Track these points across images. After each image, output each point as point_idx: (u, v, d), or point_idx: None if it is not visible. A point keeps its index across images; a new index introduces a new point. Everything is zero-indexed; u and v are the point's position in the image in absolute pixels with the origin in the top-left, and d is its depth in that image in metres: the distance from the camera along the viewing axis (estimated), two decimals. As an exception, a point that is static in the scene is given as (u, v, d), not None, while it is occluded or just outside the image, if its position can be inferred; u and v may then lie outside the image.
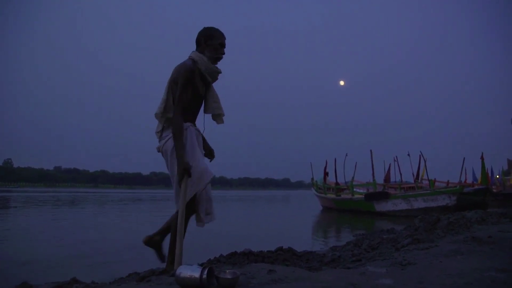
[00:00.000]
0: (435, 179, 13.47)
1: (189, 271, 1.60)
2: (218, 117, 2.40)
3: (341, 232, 7.19)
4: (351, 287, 1.59)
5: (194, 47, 2.34)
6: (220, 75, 2.34)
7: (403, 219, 9.47)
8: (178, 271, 1.63)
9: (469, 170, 19.38)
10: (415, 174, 14.53)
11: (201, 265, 1.76)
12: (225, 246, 2.62)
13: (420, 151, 14.40)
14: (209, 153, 2.45)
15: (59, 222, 7.90)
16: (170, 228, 2.27)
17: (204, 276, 1.56)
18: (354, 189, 13.90)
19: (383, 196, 12.08)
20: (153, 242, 2.33)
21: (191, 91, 2.20)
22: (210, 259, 2.76)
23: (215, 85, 2.40)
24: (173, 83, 2.20)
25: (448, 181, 14.85)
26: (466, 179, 17.18)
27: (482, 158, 14.04)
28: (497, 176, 23.10)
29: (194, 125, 2.32)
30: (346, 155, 16.16)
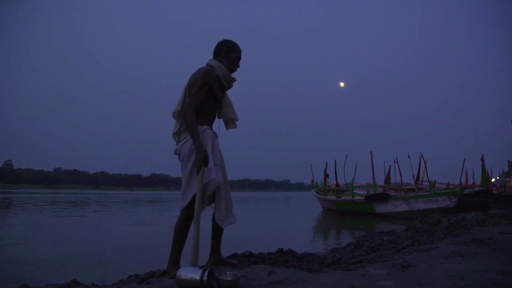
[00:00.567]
0: (435, 180, 13.46)
1: (190, 273, 1.60)
2: (231, 121, 2.54)
3: (342, 234, 7.18)
4: (351, 289, 1.59)
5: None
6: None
7: (403, 221, 9.46)
8: (178, 273, 1.62)
9: (469, 171, 19.37)
10: (415, 175, 14.52)
11: (202, 267, 1.76)
12: (225, 247, 2.61)
13: (420, 153, 14.40)
14: None
15: (59, 223, 7.89)
16: (218, 245, 2.43)
17: (205, 278, 1.56)
18: (354, 191, 13.89)
19: (384, 197, 12.07)
20: (216, 261, 2.41)
21: (209, 94, 2.33)
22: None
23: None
24: (191, 86, 2.32)
25: (448, 182, 14.84)
26: (466, 181, 17.17)
27: (482, 159, 14.03)
28: (497, 178, 23.08)
29: (211, 128, 2.41)
30: (346, 156, 16.16)
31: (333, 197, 14.95)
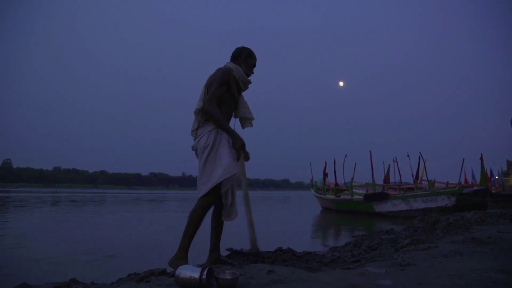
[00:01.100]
0: (434, 179, 13.47)
1: (189, 271, 1.60)
2: (247, 120, 2.68)
3: (341, 233, 7.19)
4: (350, 288, 1.59)
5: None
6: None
7: (402, 220, 9.47)
8: (177, 272, 1.62)
9: (468, 171, 19.42)
10: (414, 175, 14.53)
11: (201, 265, 1.75)
12: (224, 246, 2.62)
13: (420, 152, 14.41)
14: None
15: (58, 222, 7.89)
16: (218, 241, 2.51)
17: (204, 276, 1.56)
18: (354, 190, 13.90)
19: (383, 197, 12.08)
20: (215, 260, 2.47)
21: (227, 93, 2.47)
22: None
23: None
24: (209, 85, 2.45)
25: (447, 182, 14.85)
26: (465, 180, 17.19)
27: (481, 159, 14.04)
28: (496, 177, 23.13)
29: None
30: (346, 156, 16.17)
31: (332, 196, 14.96)
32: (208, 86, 2.46)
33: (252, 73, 2.67)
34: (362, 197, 12.71)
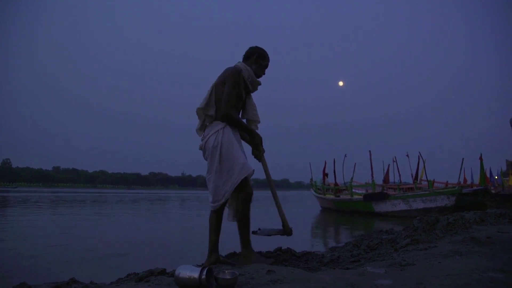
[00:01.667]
0: (434, 179, 13.48)
1: (188, 271, 1.59)
2: (253, 123, 2.66)
3: (340, 233, 7.19)
4: (350, 288, 1.59)
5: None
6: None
7: (402, 220, 9.47)
8: (177, 271, 1.62)
9: (468, 170, 19.41)
10: (414, 174, 14.54)
11: (200, 265, 1.75)
12: (223, 246, 2.62)
13: (419, 152, 14.43)
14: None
15: (58, 222, 7.88)
16: (217, 243, 2.48)
17: (203, 276, 1.55)
18: (353, 190, 13.91)
19: (382, 196, 12.09)
20: (215, 260, 2.45)
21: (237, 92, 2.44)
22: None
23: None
24: (221, 85, 2.43)
25: (447, 181, 14.86)
26: (465, 180, 17.20)
27: (481, 158, 14.05)
28: (496, 177, 23.13)
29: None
30: (345, 156, 16.18)
31: (332, 196, 14.97)
32: (217, 85, 2.44)
33: (264, 74, 2.62)
34: (362, 197, 12.72)
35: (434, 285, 1.63)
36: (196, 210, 13.75)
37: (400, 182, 15.79)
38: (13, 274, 3.00)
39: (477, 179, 17.23)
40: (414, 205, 11.40)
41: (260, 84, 2.62)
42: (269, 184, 2.60)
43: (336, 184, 16.12)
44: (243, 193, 2.33)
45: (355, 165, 15.82)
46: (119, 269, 2.90)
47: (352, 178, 14.62)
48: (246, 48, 2.63)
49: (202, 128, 2.50)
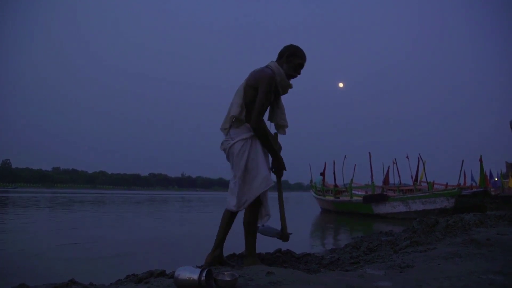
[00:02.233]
0: (433, 181, 13.48)
1: (188, 272, 1.59)
2: (281, 127, 2.55)
3: (340, 234, 7.19)
4: (349, 290, 1.59)
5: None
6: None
7: (401, 222, 9.47)
8: (176, 273, 1.62)
9: (468, 172, 19.40)
10: (413, 176, 14.54)
11: (200, 267, 1.75)
12: (224, 246, 2.62)
13: (419, 154, 14.43)
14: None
15: (57, 222, 7.87)
16: (223, 240, 2.49)
17: (203, 278, 1.56)
18: (353, 191, 13.90)
19: (382, 198, 12.08)
20: (218, 257, 2.46)
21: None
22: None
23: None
24: (251, 88, 2.31)
25: (446, 183, 14.86)
26: (465, 182, 17.20)
27: (480, 160, 14.05)
28: (496, 179, 23.14)
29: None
30: (345, 157, 16.18)
31: (332, 198, 14.96)
32: (247, 87, 2.32)
33: (299, 74, 2.44)
34: (361, 199, 12.71)
35: (433, 287, 1.63)
36: (196, 211, 13.74)
37: (400, 183, 15.78)
38: (13, 275, 3.00)
39: (477, 181, 17.25)
40: (413, 206, 11.40)
41: (291, 87, 2.45)
42: (278, 194, 2.57)
43: (335, 185, 16.11)
44: (249, 208, 2.36)
45: (355, 166, 15.82)
46: (118, 270, 2.90)
47: (352, 180, 14.62)
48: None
49: (228, 128, 2.39)
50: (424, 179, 13.92)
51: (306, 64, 2.46)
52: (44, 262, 3.62)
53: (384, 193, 12.90)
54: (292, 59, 2.38)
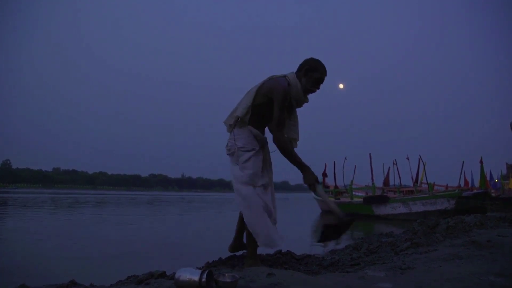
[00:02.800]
0: (434, 182, 13.48)
1: (188, 274, 1.59)
2: (293, 141, 2.50)
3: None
4: (350, 291, 1.59)
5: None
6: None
7: (402, 223, 9.46)
8: (177, 274, 1.62)
9: (468, 174, 19.39)
10: (414, 177, 14.54)
11: (200, 268, 1.75)
12: (223, 248, 2.62)
13: (419, 155, 14.45)
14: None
15: (58, 223, 7.87)
16: (238, 231, 2.56)
17: (204, 279, 1.56)
18: (353, 193, 13.90)
19: (382, 199, 12.08)
20: (237, 246, 2.56)
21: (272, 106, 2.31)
22: (208, 262, 2.75)
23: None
24: (262, 95, 2.29)
25: (447, 185, 14.86)
26: (465, 183, 17.19)
27: (481, 162, 14.06)
28: (496, 180, 23.12)
29: (263, 134, 2.47)
30: (345, 158, 16.18)
31: (332, 199, 14.97)
32: (259, 94, 2.30)
33: (318, 88, 2.38)
34: (362, 200, 12.71)
35: (434, 289, 1.63)
36: (196, 213, 13.74)
37: (400, 185, 15.79)
38: (13, 274, 3.00)
39: (477, 182, 17.24)
40: (414, 208, 11.40)
41: (306, 102, 2.41)
42: (326, 202, 2.47)
43: (336, 186, 16.12)
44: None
45: (355, 167, 15.83)
46: (119, 271, 2.90)
47: (352, 181, 14.62)
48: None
49: (231, 125, 2.40)
50: (424, 181, 13.93)
51: (309, 66, 2.40)
52: (45, 262, 3.62)
53: (385, 194, 12.91)
54: (311, 73, 2.32)
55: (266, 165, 2.44)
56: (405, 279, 1.83)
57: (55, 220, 8.72)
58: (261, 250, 3.13)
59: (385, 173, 16.67)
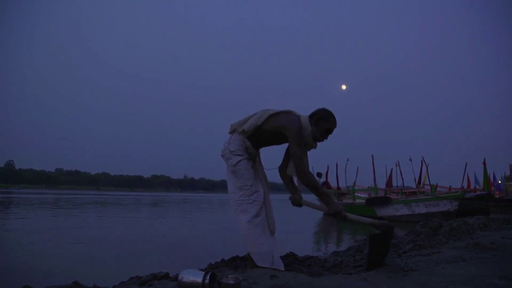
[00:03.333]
0: (437, 184, 13.45)
1: (191, 275, 1.60)
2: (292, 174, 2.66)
3: (343, 237, 7.17)
4: (353, 293, 1.59)
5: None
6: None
7: (404, 224, 9.43)
8: (180, 276, 1.63)
9: (471, 175, 19.31)
10: (417, 179, 14.50)
11: (203, 270, 1.76)
12: (226, 250, 2.62)
13: (422, 156, 14.40)
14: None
15: (60, 224, 7.90)
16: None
17: (207, 281, 1.56)
18: (356, 194, 13.88)
19: (385, 201, 12.05)
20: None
21: (281, 137, 2.42)
22: (211, 263, 2.76)
23: None
24: (274, 126, 2.37)
25: (450, 186, 14.81)
26: (468, 185, 17.13)
27: (484, 163, 13.99)
28: (499, 182, 23.01)
29: (258, 154, 2.59)
30: (348, 159, 16.16)
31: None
32: (271, 120, 2.38)
33: (326, 138, 2.45)
34: (364, 201, 12.68)
35: (437, 291, 1.63)
36: (198, 214, 13.75)
37: (403, 186, 15.74)
38: (16, 275, 3.02)
39: (480, 184, 17.16)
40: (416, 209, 11.36)
41: (315, 148, 2.47)
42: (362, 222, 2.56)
43: (338, 188, 16.09)
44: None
45: (357, 169, 15.81)
46: (122, 272, 2.90)
47: (354, 182, 14.60)
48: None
49: (236, 130, 2.47)
50: (427, 182, 13.88)
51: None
52: (48, 263, 3.63)
53: (387, 195, 12.88)
54: (322, 122, 2.39)
55: (259, 175, 2.54)
56: (408, 281, 1.82)
57: (57, 221, 8.75)
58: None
59: (388, 174, 16.64)
